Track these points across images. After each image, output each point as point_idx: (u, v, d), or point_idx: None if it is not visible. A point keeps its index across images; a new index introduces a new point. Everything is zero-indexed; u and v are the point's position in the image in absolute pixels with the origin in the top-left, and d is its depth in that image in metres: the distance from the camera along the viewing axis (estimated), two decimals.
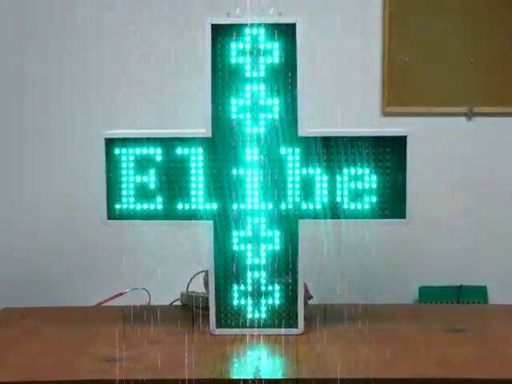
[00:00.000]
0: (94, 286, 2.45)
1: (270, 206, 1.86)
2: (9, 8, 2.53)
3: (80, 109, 2.53)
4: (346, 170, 1.85)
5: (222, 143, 1.86)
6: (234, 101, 1.84)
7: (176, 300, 2.12)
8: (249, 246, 1.88)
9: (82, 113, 2.53)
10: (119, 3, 2.50)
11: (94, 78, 2.54)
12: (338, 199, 1.86)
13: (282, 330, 1.89)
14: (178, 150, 1.86)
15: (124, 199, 1.88)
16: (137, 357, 1.73)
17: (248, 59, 1.84)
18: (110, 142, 1.87)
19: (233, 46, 1.83)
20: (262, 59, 1.83)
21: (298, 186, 1.86)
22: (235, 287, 1.89)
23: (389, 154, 1.85)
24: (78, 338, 1.87)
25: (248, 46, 1.83)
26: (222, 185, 1.87)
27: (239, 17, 1.84)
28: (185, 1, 2.45)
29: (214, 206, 1.87)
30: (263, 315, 1.90)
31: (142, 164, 1.87)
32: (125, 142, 1.87)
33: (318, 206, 1.86)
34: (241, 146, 1.85)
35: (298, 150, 1.85)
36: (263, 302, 1.90)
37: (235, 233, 1.88)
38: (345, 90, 2.46)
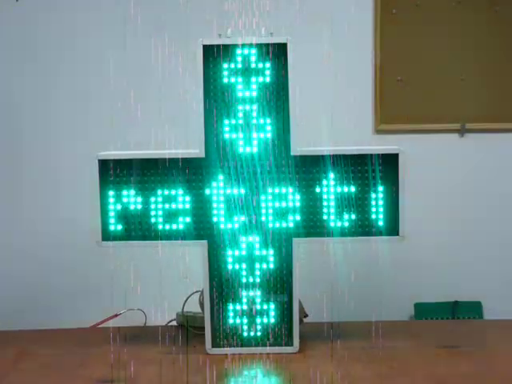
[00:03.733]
0: (90, 307, 2.45)
1: (264, 225, 1.87)
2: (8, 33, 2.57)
3: (78, 132, 2.56)
4: (339, 189, 1.86)
5: (214, 163, 1.86)
6: (226, 121, 1.85)
7: (172, 320, 2.11)
8: (243, 266, 1.88)
9: (80, 136, 2.55)
10: (113, 28, 2.52)
11: (92, 101, 2.56)
12: (332, 217, 1.87)
13: (278, 349, 1.89)
14: (172, 170, 1.87)
15: (118, 220, 1.88)
16: (133, 378, 1.73)
17: (240, 79, 1.85)
18: (104, 164, 1.87)
19: (224, 66, 1.85)
20: (253, 79, 1.85)
21: (291, 204, 1.86)
22: (230, 306, 1.90)
23: (381, 171, 1.85)
24: (74, 360, 1.87)
25: (240, 66, 1.84)
26: (215, 204, 1.87)
27: (230, 37, 1.85)
28: (177, 22, 2.46)
29: (208, 225, 1.88)
30: (258, 334, 1.90)
31: (136, 184, 1.87)
32: (118, 162, 1.87)
33: (312, 224, 1.87)
34: (233, 165, 1.86)
35: (291, 169, 1.86)
36: (258, 320, 1.90)
37: (229, 252, 1.88)
38: (337, 109, 2.46)
